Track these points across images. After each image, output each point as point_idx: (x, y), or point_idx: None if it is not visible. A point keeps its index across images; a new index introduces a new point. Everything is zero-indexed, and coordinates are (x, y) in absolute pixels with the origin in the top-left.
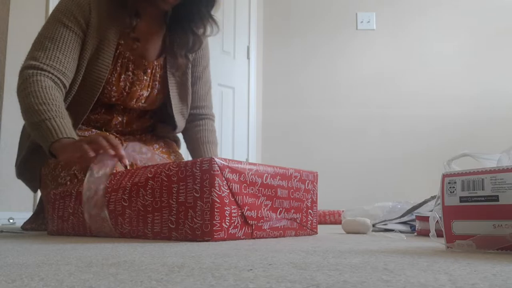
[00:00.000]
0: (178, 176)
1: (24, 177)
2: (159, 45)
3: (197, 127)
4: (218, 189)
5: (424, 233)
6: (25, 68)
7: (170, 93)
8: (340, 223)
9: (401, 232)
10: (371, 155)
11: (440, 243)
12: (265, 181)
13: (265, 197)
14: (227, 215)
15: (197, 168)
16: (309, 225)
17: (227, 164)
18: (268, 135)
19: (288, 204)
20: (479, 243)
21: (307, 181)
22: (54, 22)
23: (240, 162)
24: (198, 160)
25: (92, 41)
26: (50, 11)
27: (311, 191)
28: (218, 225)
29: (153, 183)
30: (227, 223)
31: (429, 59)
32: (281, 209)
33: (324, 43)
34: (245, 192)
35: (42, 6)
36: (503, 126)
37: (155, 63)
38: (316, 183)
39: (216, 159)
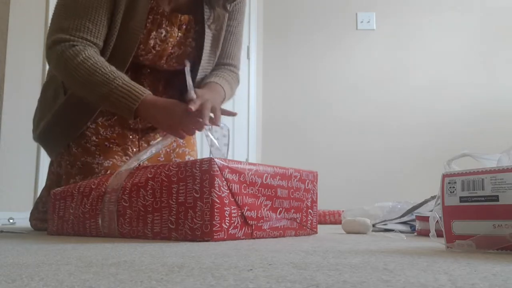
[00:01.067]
0: (178, 176)
1: (43, 143)
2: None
3: (214, 71)
4: (218, 189)
5: (424, 233)
6: (55, 42)
7: (204, 48)
8: (340, 223)
9: (401, 232)
10: (371, 155)
11: (440, 243)
12: (265, 181)
13: (265, 197)
14: (227, 215)
15: (197, 168)
16: (309, 224)
17: (226, 164)
18: (268, 135)
19: (288, 204)
20: (479, 243)
21: (307, 180)
22: None
23: (240, 162)
24: (198, 160)
25: (123, 2)
26: (50, 10)
27: (311, 191)
28: (218, 225)
29: (153, 184)
30: (227, 223)
31: (429, 59)
32: (281, 209)
33: (324, 43)
34: (245, 192)
35: (42, 6)
36: (504, 127)
37: (191, 17)
38: (316, 183)
39: (216, 159)
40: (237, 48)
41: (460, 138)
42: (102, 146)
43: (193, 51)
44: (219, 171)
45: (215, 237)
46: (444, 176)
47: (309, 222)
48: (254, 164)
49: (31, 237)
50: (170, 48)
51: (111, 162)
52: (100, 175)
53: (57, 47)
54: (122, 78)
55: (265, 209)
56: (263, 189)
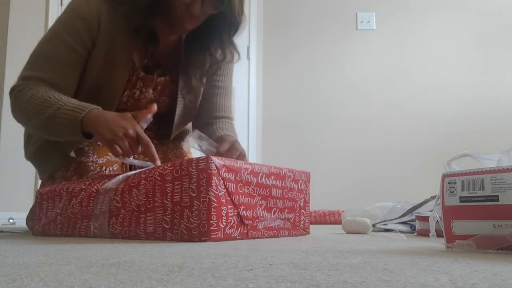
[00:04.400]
0: (172, 175)
1: (34, 161)
2: (173, 63)
3: (213, 125)
4: (215, 188)
5: (424, 233)
6: (15, 87)
7: (176, 114)
8: (340, 223)
9: (401, 232)
10: (371, 155)
11: (440, 243)
12: (260, 180)
13: (260, 197)
14: (224, 214)
15: (193, 167)
16: (301, 225)
17: (223, 163)
18: (268, 135)
19: (282, 204)
20: (479, 243)
21: (300, 181)
22: (56, 39)
23: (236, 161)
24: (194, 159)
25: (98, 61)
26: (50, 11)
27: (304, 191)
28: (215, 225)
29: (145, 183)
30: (223, 223)
31: (429, 59)
32: (275, 209)
33: (324, 43)
34: (241, 191)
35: (42, 6)
36: (504, 126)
37: (167, 79)
38: (309, 183)
39: (213, 158)
40: (227, 99)
41: (460, 138)
42: (95, 146)
43: (167, 106)
44: (216, 170)
45: (212, 236)
46: (444, 176)
47: (301, 222)
48: (249, 163)
49: (31, 237)
50: (143, 105)
51: (105, 159)
52: (95, 173)
53: (17, 86)
54: (68, 100)
55: (260, 208)
56: (258, 189)
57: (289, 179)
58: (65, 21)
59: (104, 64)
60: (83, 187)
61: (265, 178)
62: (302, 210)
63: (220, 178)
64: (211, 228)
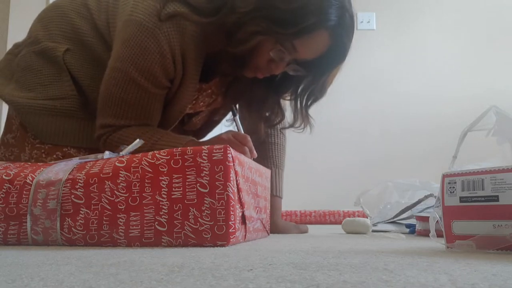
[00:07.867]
0: (169, 166)
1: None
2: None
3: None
4: (232, 183)
5: (424, 233)
6: (100, 136)
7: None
8: (340, 223)
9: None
10: (371, 155)
11: (440, 243)
12: (252, 176)
13: (251, 195)
14: (239, 214)
15: (204, 157)
16: (266, 226)
17: (235, 154)
18: None
19: (263, 203)
20: (479, 243)
21: (267, 177)
22: (134, 85)
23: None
24: (205, 148)
25: (171, 90)
26: None
27: (268, 189)
28: (233, 226)
29: (127, 175)
30: (238, 225)
31: (429, 59)
32: (258, 208)
33: None
34: (245, 188)
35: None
36: None
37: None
38: (269, 181)
39: (230, 148)
40: (284, 154)
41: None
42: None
43: (206, 116)
44: (232, 162)
45: (231, 240)
46: (444, 176)
47: (267, 223)
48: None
49: None
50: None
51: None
52: (33, 156)
53: (99, 142)
54: (161, 134)
55: (251, 207)
56: (252, 186)
57: (263, 177)
58: (140, 63)
59: (176, 91)
60: (5, 178)
61: (254, 174)
62: (267, 210)
63: (234, 171)
64: (230, 231)
